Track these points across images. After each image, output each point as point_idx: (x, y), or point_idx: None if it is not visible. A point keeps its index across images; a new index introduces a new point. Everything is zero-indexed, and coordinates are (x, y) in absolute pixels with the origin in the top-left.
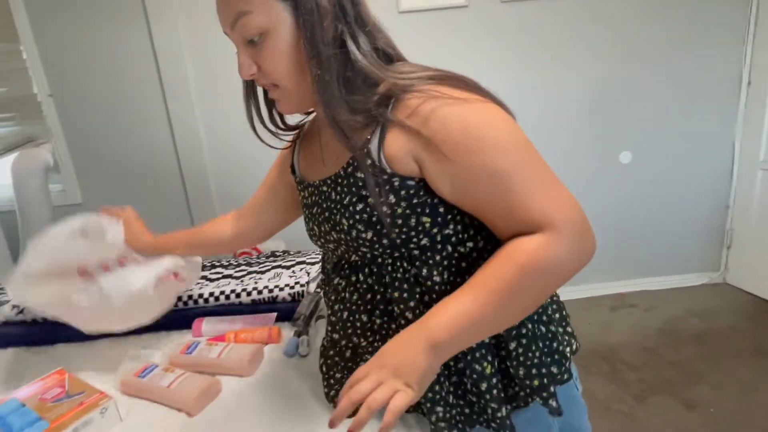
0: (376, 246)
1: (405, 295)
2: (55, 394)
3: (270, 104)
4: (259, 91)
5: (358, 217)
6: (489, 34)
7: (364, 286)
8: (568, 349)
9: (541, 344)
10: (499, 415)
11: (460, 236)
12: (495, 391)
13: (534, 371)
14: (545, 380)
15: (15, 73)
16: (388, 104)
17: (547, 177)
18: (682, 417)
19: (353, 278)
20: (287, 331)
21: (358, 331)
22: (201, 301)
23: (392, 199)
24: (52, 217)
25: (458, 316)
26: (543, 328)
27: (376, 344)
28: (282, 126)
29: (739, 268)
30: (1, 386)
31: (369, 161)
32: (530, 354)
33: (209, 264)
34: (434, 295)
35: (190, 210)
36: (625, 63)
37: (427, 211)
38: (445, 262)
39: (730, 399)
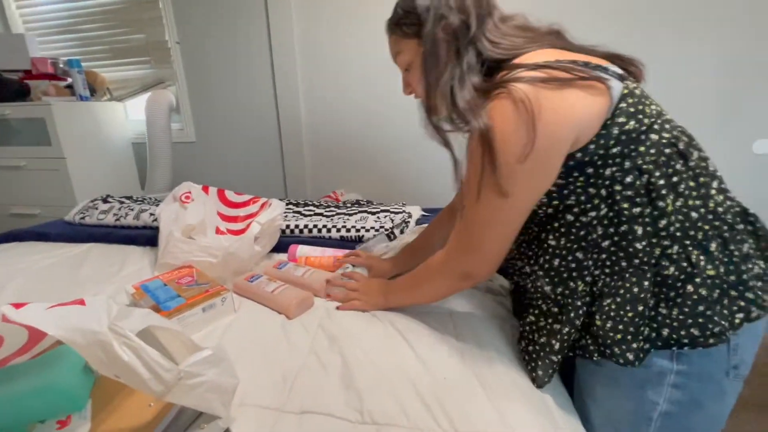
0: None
1: (562, 241)
2: (187, 281)
3: None
4: None
5: None
6: None
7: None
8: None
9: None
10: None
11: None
12: (644, 321)
13: (701, 320)
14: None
15: (152, 21)
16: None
17: (486, 222)
18: None
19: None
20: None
21: (531, 261)
22: (296, 231)
23: None
24: (171, 152)
25: (398, 286)
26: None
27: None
28: None
29: None
30: (142, 272)
31: None
32: (707, 301)
33: (303, 202)
34: (579, 241)
35: (283, 161)
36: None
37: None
38: (563, 228)
39: None
